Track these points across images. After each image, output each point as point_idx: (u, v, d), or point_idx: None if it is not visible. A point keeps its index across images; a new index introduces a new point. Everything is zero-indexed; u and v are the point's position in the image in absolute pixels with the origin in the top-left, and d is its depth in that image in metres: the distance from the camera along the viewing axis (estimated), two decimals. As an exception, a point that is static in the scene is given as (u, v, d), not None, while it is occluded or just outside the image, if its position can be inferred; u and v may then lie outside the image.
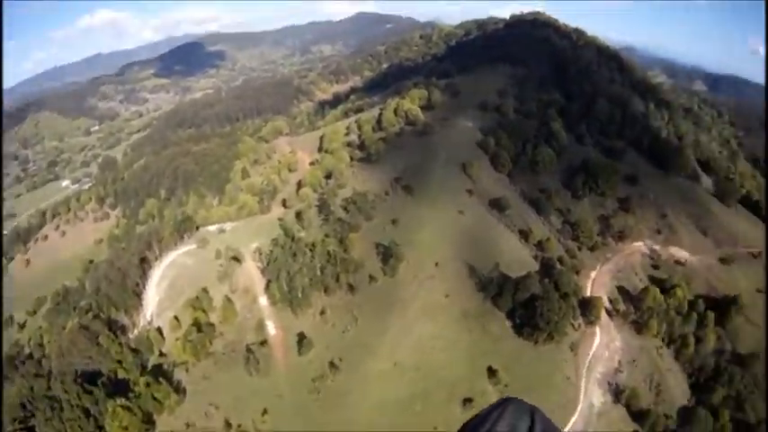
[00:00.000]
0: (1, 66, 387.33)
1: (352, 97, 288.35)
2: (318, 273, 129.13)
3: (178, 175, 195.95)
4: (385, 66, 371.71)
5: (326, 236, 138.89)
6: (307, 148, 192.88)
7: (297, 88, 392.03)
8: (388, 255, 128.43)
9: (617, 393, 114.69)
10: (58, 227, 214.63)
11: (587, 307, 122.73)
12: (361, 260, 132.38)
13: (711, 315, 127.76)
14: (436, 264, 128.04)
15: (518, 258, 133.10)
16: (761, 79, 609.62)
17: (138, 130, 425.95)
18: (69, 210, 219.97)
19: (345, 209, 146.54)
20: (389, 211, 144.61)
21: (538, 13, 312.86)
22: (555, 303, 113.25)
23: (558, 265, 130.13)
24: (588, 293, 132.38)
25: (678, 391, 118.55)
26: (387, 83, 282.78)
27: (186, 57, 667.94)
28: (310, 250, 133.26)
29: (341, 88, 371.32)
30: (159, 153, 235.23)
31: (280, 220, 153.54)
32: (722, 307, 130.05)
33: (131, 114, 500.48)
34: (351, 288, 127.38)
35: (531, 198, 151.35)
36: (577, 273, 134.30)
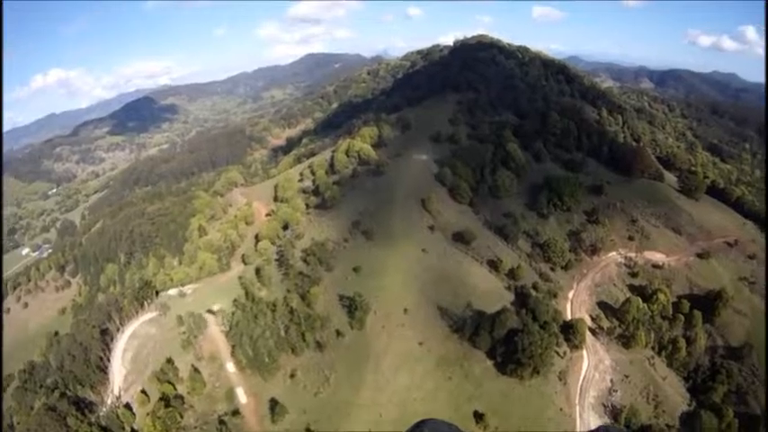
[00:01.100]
0: (1, 69, 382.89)
1: (304, 141, 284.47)
2: (283, 333, 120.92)
3: (135, 237, 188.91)
4: (335, 105, 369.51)
5: (288, 291, 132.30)
6: (262, 199, 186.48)
7: (249, 136, 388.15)
8: (353, 307, 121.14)
9: (614, 414, 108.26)
10: (19, 298, 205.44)
11: (570, 331, 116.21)
12: (326, 315, 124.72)
13: (698, 314, 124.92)
14: (405, 310, 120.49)
15: (490, 291, 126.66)
16: (704, 69, 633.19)
17: (96, 191, 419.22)
18: (30, 280, 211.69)
19: (305, 261, 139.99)
20: (350, 258, 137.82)
21: (481, 35, 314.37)
22: (536, 335, 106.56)
23: (534, 293, 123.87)
24: (569, 316, 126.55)
25: (677, 398, 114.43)
26: (338, 123, 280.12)
27: (139, 112, 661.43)
28: (272, 311, 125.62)
29: (293, 132, 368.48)
30: (116, 215, 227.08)
31: (240, 278, 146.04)
32: (708, 303, 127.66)
33: (88, 175, 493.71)
34: (319, 346, 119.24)
35: (496, 225, 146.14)
36: (555, 296, 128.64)
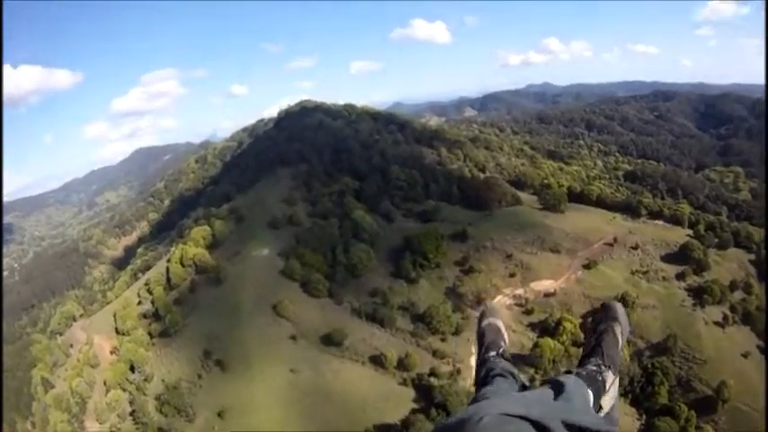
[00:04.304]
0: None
1: (139, 251, 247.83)
2: None
3: None
4: (168, 203, 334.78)
5: None
6: (103, 332, 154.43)
7: (84, 252, 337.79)
8: None
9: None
10: None
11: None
12: None
13: None
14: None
15: (386, 395, 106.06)
16: (519, 85, 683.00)
17: None
18: None
19: (161, 411, 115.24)
20: (210, 401, 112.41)
21: (305, 101, 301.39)
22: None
23: (435, 381, 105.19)
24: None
25: (627, 420, 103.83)
26: (173, 223, 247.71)
27: None
28: None
29: (130, 240, 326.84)
30: None
31: None
32: None
33: None
34: None
35: (366, 312, 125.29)
36: (458, 372, 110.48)
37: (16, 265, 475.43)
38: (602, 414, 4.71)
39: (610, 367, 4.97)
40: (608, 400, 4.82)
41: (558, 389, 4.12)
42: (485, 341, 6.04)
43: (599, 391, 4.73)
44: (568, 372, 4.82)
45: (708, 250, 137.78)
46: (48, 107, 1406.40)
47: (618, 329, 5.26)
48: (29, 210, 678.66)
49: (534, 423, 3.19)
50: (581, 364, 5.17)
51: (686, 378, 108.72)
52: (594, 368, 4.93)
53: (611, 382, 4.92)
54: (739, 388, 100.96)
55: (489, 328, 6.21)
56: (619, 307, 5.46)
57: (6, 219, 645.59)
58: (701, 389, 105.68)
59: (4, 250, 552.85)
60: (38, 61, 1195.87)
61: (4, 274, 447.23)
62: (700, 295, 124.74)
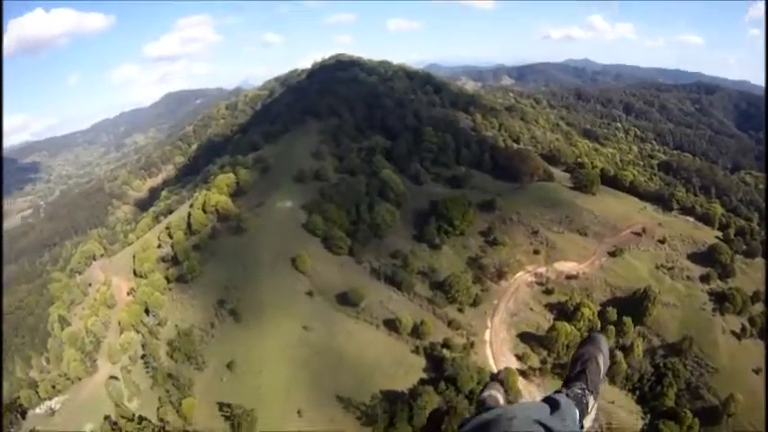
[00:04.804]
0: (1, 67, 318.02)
1: (163, 193, 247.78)
2: None
3: None
4: (195, 147, 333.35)
5: (160, 401, 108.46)
6: (122, 273, 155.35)
7: (109, 193, 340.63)
8: (235, 422, 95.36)
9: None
10: None
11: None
12: (208, 430, 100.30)
13: (628, 320, 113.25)
14: (299, 412, 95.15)
15: (397, 361, 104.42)
16: (558, 59, 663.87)
17: None
18: None
19: (172, 357, 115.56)
20: (221, 350, 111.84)
21: (340, 54, 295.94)
22: (465, 410, 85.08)
23: (448, 353, 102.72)
24: (492, 365, 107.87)
25: (631, 419, 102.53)
26: (199, 167, 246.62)
27: None
28: None
29: (155, 182, 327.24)
30: None
31: (108, 386, 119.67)
32: (635, 305, 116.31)
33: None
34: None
35: (385, 274, 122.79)
36: (472, 346, 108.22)
37: (42, 203, 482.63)
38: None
39: (592, 392, 5.54)
40: (589, 421, 5.39)
41: (553, 405, 4.78)
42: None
43: (583, 412, 5.31)
44: (559, 391, 5.51)
45: (735, 256, 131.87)
46: (79, 50, 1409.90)
47: (601, 359, 5.78)
48: (57, 149, 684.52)
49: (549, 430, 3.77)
50: (566, 385, 5.70)
51: (696, 384, 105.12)
52: (580, 391, 5.46)
53: (593, 405, 5.47)
54: (747, 404, 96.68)
55: (490, 398, 6.28)
56: (603, 339, 6.06)
57: (33, 158, 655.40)
58: (709, 398, 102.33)
59: (31, 188, 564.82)
60: (71, 5, 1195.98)
61: (28, 211, 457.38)
62: (721, 301, 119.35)
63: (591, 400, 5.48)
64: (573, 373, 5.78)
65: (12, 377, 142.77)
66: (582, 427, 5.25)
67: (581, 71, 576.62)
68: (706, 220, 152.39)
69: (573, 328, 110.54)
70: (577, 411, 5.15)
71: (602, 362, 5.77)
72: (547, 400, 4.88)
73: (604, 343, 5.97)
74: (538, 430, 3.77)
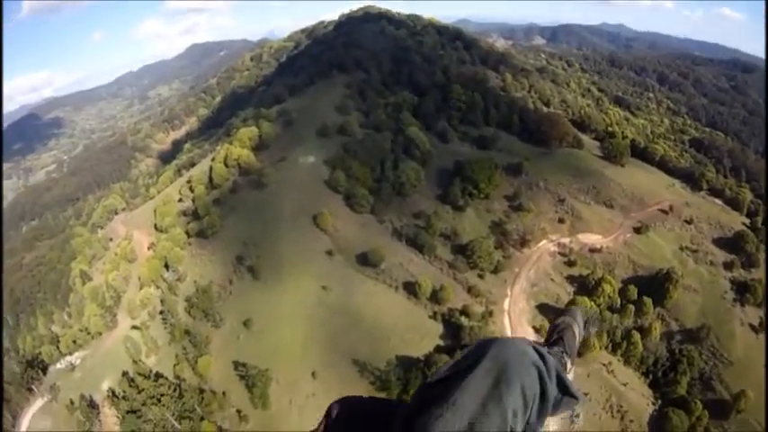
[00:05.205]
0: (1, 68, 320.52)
1: (186, 146, 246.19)
2: (177, 425, 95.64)
3: (18, 295, 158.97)
4: (219, 99, 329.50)
5: (177, 358, 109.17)
6: (143, 227, 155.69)
7: (132, 146, 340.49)
8: (250, 381, 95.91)
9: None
10: None
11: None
12: (223, 390, 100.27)
13: (649, 301, 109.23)
14: (313, 374, 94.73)
15: (414, 326, 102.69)
16: (593, 22, 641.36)
17: None
18: None
19: (189, 313, 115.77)
20: (238, 307, 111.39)
21: (368, 6, 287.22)
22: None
23: (466, 321, 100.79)
24: (509, 334, 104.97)
25: (642, 402, 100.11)
26: (222, 120, 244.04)
27: (24, 132, 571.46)
28: (159, 398, 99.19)
29: (179, 134, 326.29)
30: None
31: (126, 341, 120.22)
32: (656, 285, 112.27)
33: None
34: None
35: (407, 235, 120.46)
36: (491, 314, 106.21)
37: (66, 157, 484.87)
38: None
39: (570, 356, 5.71)
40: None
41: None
42: None
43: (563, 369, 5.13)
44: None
45: (761, 246, 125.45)
46: (103, 6, 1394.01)
47: (576, 330, 5.96)
48: (81, 104, 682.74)
49: (544, 361, 3.81)
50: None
51: (709, 375, 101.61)
52: (559, 352, 5.59)
53: (570, 367, 5.67)
54: (757, 401, 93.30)
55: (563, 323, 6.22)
56: (580, 312, 6.24)
57: (57, 113, 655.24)
58: (720, 391, 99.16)
59: (55, 143, 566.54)
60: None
61: (52, 166, 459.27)
62: (742, 291, 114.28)
63: (569, 362, 5.64)
64: (550, 339, 5.89)
65: (34, 332, 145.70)
66: None
67: (615, 36, 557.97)
68: (734, 204, 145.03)
69: (593, 303, 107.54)
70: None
71: (578, 332, 5.95)
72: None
73: (581, 316, 6.15)
74: (533, 354, 3.75)
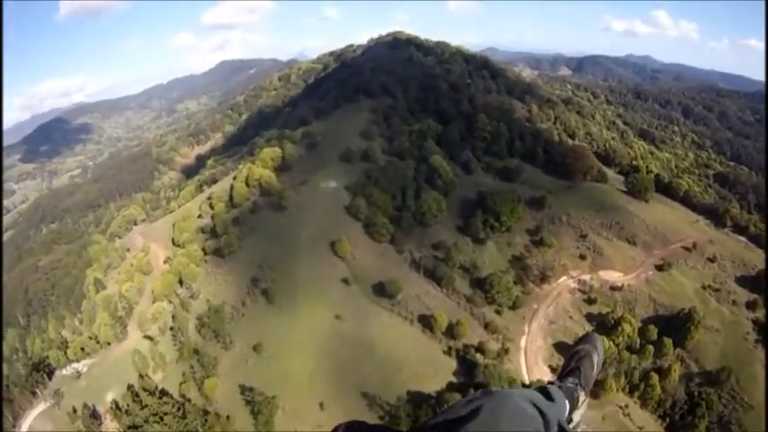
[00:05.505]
0: (1, 70, 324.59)
1: (209, 162, 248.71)
2: None
3: (31, 296, 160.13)
4: (245, 117, 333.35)
5: (184, 377, 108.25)
6: (161, 240, 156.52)
7: (156, 158, 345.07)
8: (255, 407, 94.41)
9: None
10: None
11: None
12: (228, 411, 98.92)
13: (669, 341, 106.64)
14: (321, 405, 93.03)
15: (426, 360, 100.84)
16: (619, 53, 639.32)
17: (7, 229, 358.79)
18: None
19: (200, 332, 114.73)
20: (249, 331, 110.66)
21: (397, 32, 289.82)
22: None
23: (481, 359, 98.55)
24: (525, 373, 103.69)
25: None
26: (247, 138, 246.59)
27: (52, 135, 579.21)
28: (161, 417, 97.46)
29: (203, 149, 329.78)
30: (13, 269, 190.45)
31: (134, 355, 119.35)
32: (677, 325, 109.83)
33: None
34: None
35: (425, 267, 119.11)
36: (506, 352, 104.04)
37: (91, 163, 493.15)
38: (572, 426, 5.41)
39: (584, 388, 5.64)
40: (578, 415, 5.52)
41: (546, 395, 4.76)
42: None
43: (573, 405, 5.45)
44: (551, 383, 5.53)
45: None
46: (139, 15, 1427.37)
47: (595, 358, 5.86)
48: (109, 112, 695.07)
49: (543, 415, 3.92)
50: (560, 378, 5.77)
51: (728, 419, 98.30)
52: (572, 385, 5.56)
53: (583, 400, 5.57)
54: None
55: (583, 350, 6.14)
56: (599, 338, 6.11)
57: (86, 119, 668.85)
58: None
59: (81, 148, 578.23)
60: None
61: (77, 171, 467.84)
62: (765, 333, 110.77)
63: (582, 395, 5.53)
64: (567, 368, 5.77)
65: (44, 335, 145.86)
66: (571, 420, 5.33)
67: (641, 68, 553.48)
68: (759, 241, 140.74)
69: (611, 343, 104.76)
70: (568, 404, 5.18)
71: (597, 360, 5.81)
72: (540, 389, 4.81)
73: (600, 343, 5.98)
74: (532, 410, 3.83)
